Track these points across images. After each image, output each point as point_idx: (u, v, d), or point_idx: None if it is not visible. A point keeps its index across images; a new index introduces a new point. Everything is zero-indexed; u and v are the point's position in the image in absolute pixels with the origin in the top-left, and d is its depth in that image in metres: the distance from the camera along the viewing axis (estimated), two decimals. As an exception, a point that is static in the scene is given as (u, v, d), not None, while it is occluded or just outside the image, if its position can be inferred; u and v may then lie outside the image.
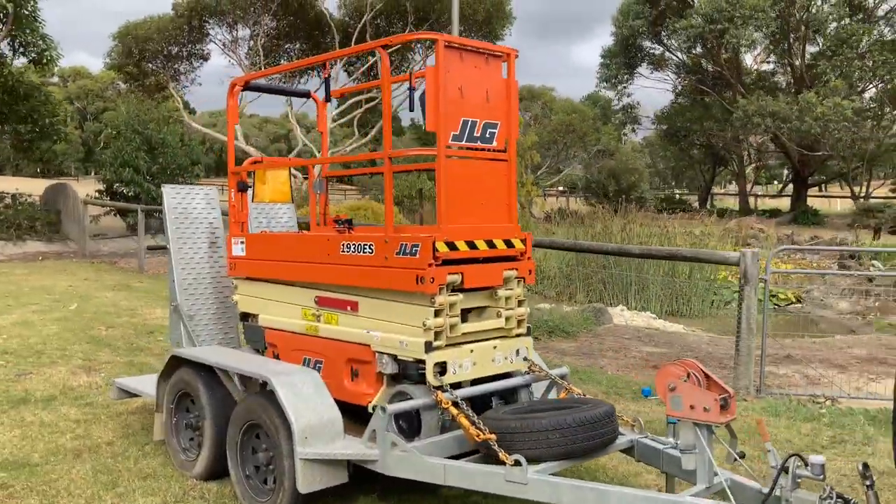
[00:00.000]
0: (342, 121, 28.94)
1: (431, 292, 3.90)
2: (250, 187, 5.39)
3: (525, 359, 4.41)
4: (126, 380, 5.70)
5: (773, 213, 36.52)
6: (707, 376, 3.27)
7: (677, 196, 44.61)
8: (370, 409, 4.21)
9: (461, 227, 4.08)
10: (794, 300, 15.02)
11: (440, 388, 3.95)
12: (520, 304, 4.37)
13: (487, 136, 4.20)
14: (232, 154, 5.41)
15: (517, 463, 3.41)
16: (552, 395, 4.56)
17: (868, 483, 2.78)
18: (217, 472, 4.56)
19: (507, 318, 4.29)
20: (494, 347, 4.25)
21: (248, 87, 5.37)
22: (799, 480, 2.91)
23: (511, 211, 4.36)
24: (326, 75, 4.98)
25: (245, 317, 5.24)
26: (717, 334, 10.89)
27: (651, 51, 39.75)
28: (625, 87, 41.78)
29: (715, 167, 46.04)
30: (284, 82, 26.51)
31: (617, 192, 33.37)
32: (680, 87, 41.36)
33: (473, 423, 3.68)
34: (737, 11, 29.85)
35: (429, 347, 3.92)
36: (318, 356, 4.57)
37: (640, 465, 4.86)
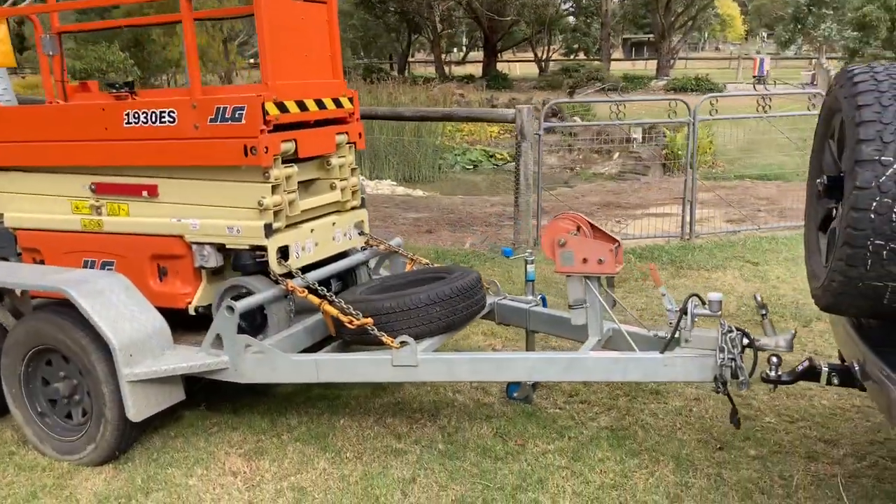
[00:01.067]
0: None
1: (266, 165, 3.27)
2: (-42, 48, 4.08)
3: (361, 233, 3.99)
4: None
5: (469, 79, 38.19)
6: (594, 228, 3.15)
7: (375, 65, 44.68)
8: (192, 312, 3.55)
9: (288, 84, 3.43)
10: (509, 159, 16.01)
11: (288, 275, 3.40)
12: (353, 172, 3.88)
13: (305, -28, 3.51)
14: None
15: (403, 344, 3.07)
16: (383, 270, 4.24)
17: (763, 312, 2.90)
18: (-14, 416, 3.61)
19: (343, 190, 3.80)
20: (333, 224, 3.76)
21: None
22: (696, 319, 2.95)
23: (336, 65, 3.77)
24: None
25: (-21, 219, 4.08)
26: (462, 195, 11.23)
27: (340, -90, 38.13)
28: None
29: (410, 35, 46.62)
30: None
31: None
32: (371, -49, 40.53)
33: (343, 310, 3.23)
34: None
35: (269, 231, 3.32)
36: (107, 256, 3.70)
37: (470, 331, 4.81)
